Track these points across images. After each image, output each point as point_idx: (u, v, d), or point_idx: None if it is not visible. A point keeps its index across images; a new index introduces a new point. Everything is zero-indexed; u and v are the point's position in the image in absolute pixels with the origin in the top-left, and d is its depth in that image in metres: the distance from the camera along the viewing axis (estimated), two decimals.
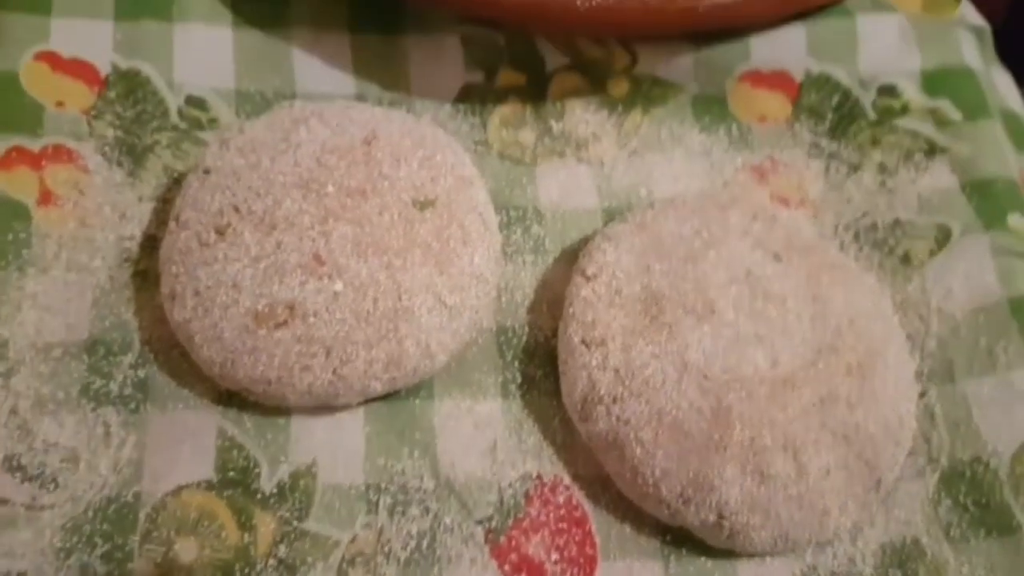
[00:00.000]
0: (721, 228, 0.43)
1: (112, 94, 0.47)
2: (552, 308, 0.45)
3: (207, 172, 0.42)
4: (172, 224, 0.42)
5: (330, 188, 0.41)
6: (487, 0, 0.45)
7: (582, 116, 0.50)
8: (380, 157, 0.42)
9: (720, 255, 0.42)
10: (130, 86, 0.47)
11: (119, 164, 0.46)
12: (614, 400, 0.39)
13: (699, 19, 0.46)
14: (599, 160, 0.50)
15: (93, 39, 0.47)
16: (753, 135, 0.51)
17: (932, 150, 0.49)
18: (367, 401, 0.41)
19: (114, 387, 0.41)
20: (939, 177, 0.48)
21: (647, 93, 0.51)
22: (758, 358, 0.40)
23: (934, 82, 0.50)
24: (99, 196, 0.45)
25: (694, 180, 0.49)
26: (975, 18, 0.55)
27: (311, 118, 0.43)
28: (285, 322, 0.39)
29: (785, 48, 0.50)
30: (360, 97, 0.50)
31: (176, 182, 0.46)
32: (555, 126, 0.50)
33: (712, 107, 0.51)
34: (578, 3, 0.44)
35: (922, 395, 0.43)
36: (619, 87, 0.51)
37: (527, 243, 0.47)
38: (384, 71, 0.50)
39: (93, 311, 0.42)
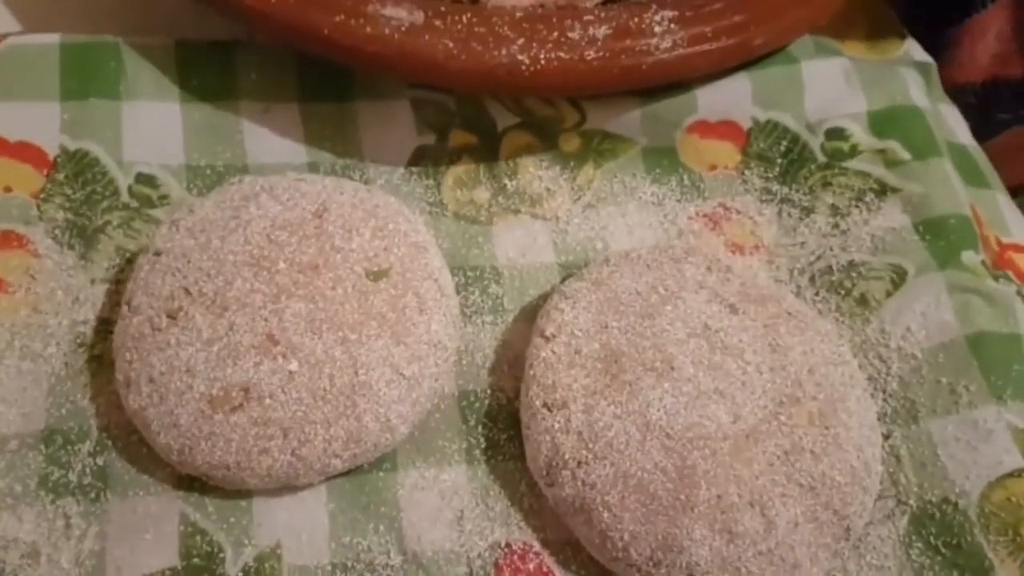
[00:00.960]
0: (676, 282, 0.43)
1: (61, 176, 0.46)
2: (513, 369, 0.44)
3: (157, 254, 0.42)
4: (124, 309, 0.41)
5: (281, 265, 0.41)
6: (435, 69, 0.44)
7: (535, 173, 0.50)
8: (332, 230, 0.42)
9: (677, 310, 0.42)
10: (79, 167, 0.46)
11: (70, 247, 0.45)
12: (579, 464, 0.39)
13: (643, 76, 0.46)
14: (554, 215, 0.49)
15: (40, 121, 0.46)
16: (705, 183, 0.51)
17: (883, 190, 0.49)
18: (329, 477, 0.41)
19: (73, 477, 0.40)
20: (891, 217, 0.48)
21: (598, 147, 0.50)
22: (720, 414, 0.39)
23: (882, 123, 0.50)
24: (51, 281, 0.44)
25: (648, 231, 0.49)
26: (920, 54, 0.55)
27: (261, 194, 0.43)
28: (241, 405, 0.38)
29: (731, 98, 0.50)
30: (313, 165, 0.49)
31: (129, 262, 0.45)
32: (509, 184, 0.50)
33: (663, 158, 0.51)
34: (523, 67, 0.44)
35: (887, 437, 0.43)
36: (570, 143, 0.50)
37: (486, 303, 0.46)
38: (336, 138, 0.50)
39: (49, 399, 0.42)
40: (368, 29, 0.44)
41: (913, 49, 0.56)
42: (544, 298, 0.46)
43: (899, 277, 0.47)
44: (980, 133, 0.55)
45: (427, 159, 0.50)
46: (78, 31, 0.49)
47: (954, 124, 0.54)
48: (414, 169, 0.50)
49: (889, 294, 0.46)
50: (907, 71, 0.53)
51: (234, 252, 0.41)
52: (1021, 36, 0.56)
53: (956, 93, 0.56)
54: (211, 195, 0.44)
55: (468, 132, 0.50)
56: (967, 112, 0.56)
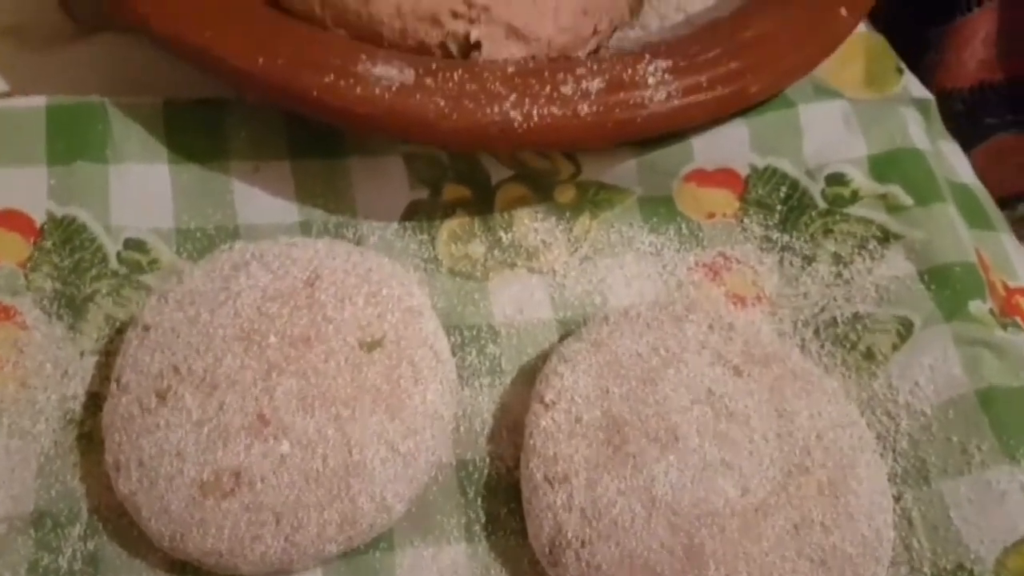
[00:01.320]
0: (678, 343, 0.41)
1: (48, 243, 0.44)
2: (512, 435, 0.42)
3: (146, 329, 0.40)
4: (113, 387, 0.39)
5: (272, 339, 0.38)
6: (427, 129, 0.42)
7: (531, 225, 0.48)
8: (324, 299, 0.39)
9: (679, 374, 0.40)
10: (67, 234, 0.44)
11: (59, 317, 0.43)
12: (583, 544, 0.36)
13: (638, 129, 0.43)
14: (551, 269, 0.47)
15: (26, 187, 0.44)
16: (703, 232, 0.48)
17: (886, 237, 0.46)
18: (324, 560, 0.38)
19: (63, 563, 0.38)
20: (895, 265, 0.46)
21: (593, 198, 0.48)
22: (727, 487, 0.37)
23: (882, 167, 0.48)
24: (40, 354, 0.42)
25: (648, 283, 0.47)
26: (919, 90, 0.53)
27: (251, 262, 0.41)
28: (232, 491, 0.36)
29: (728, 145, 0.48)
30: (305, 224, 0.47)
31: (119, 332, 0.43)
32: (504, 237, 0.47)
33: (660, 207, 0.48)
34: (515, 125, 0.41)
35: (898, 499, 0.41)
36: (565, 194, 0.48)
37: (483, 364, 0.44)
38: (328, 195, 0.47)
39: (38, 480, 0.39)
40: (358, 90, 0.42)
41: (911, 85, 0.53)
42: (542, 358, 0.43)
43: (905, 329, 0.44)
44: (968, 139, 0.53)
45: (421, 213, 0.48)
46: (64, 91, 0.46)
47: (955, 162, 0.51)
48: (408, 224, 0.47)
49: (896, 347, 0.44)
50: (906, 110, 0.50)
51: (224, 326, 0.39)
52: (1007, 40, 0.54)
53: (944, 99, 0.54)
54: (200, 264, 0.42)
55: (462, 185, 0.48)
56: (955, 118, 0.54)
